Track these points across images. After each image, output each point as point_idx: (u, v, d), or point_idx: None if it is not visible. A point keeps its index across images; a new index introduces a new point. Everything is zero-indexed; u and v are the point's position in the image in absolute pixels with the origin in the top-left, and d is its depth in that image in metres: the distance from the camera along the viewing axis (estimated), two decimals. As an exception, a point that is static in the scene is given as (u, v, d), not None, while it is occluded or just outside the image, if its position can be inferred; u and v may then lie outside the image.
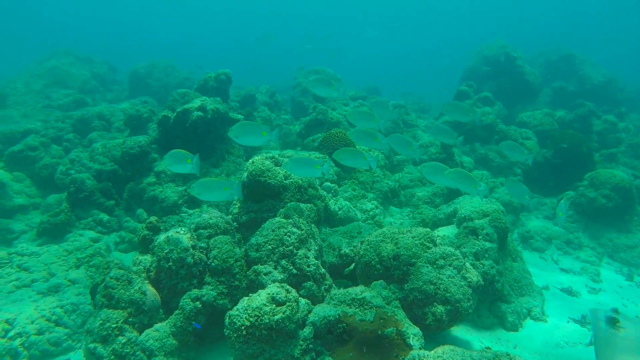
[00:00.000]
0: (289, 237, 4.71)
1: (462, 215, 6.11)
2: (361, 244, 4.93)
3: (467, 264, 4.57)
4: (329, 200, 7.60)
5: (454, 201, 6.92)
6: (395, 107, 13.89)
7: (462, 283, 4.36)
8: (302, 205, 5.34)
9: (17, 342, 4.76)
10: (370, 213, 7.86)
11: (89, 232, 7.24)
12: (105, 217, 7.64)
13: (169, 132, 8.31)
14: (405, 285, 4.41)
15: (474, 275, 4.52)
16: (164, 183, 7.89)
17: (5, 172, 9.04)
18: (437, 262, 4.49)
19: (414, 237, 4.66)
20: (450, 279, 4.33)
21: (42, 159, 9.30)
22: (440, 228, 6.36)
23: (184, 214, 7.63)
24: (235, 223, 6.08)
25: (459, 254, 4.62)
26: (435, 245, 4.68)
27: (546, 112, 13.74)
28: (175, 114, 8.20)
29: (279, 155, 6.85)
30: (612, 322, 3.34)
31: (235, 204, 6.38)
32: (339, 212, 7.48)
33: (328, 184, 8.11)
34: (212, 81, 11.46)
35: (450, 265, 4.47)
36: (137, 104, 15.89)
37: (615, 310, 3.41)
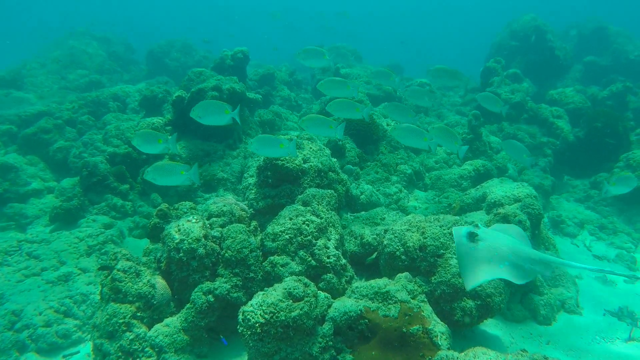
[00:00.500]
0: (308, 225, 4.39)
1: (492, 200, 5.68)
2: (385, 233, 4.57)
3: (502, 256, 4.18)
4: (351, 184, 7.24)
5: (482, 185, 6.47)
6: (419, 86, 13.32)
7: (496, 276, 3.98)
8: (321, 191, 4.98)
9: (25, 334, 4.61)
10: (394, 197, 7.48)
11: (103, 218, 7.05)
12: (119, 201, 7.45)
13: (183, 113, 8.01)
14: (433, 278, 4.05)
15: (508, 268, 4.13)
16: (178, 166, 7.62)
17: (19, 156, 8.93)
18: (468, 253, 4.10)
19: (442, 226, 4.28)
20: (482, 273, 3.96)
21: (56, 142, 9.15)
22: (468, 214, 5.94)
23: (199, 199, 7.38)
24: (251, 209, 5.79)
25: (492, 245, 4.22)
26: (465, 234, 4.29)
27: (578, 89, 12.97)
28: (189, 94, 7.89)
29: (297, 137, 6.49)
30: (472, 236, 3.44)
31: (252, 189, 6.07)
32: (361, 197, 7.13)
33: (350, 166, 7.74)
34: (228, 60, 11.09)
35: (482, 257, 4.08)
36: (152, 84, 15.70)
37: (476, 225, 3.56)
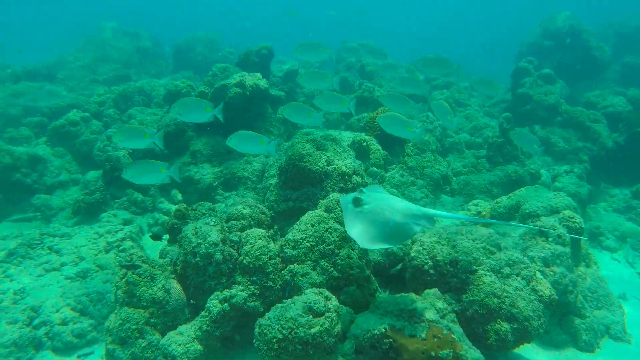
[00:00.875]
0: (331, 234, 4.16)
1: (527, 211, 5.33)
2: (412, 244, 4.31)
3: (538, 274, 3.87)
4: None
5: (515, 193, 6.11)
6: (445, 86, 12.91)
7: (532, 297, 3.68)
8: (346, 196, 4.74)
9: (42, 331, 4.54)
10: (420, 203, 7.18)
11: (123, 212, 7.00)
12: (139, 196, 7.39)
13: (205, 109, 7.89)
14: (464, 297, 3.78)
15: (546, 288, 3.82)
16: (200, 163, 7.51)
17: (47, 147, 8.98)
18: (502, 270, 3.82)
19: (475, 239, 3.99)
20: (517, 292, 3.66)
21: (83, 135, 9.17)
22: (500, 224, 5.61)
23: (219, 197, 7.25)
24: (271, 212, 5.61)
25: (528, 262, 3.92)
26: (499, 249, 4.00)
27: (617, 91, 12.32)
28: (212, 90, 7.75)
29: (321, 137, 6.27)
30: (357, 202, 3.56)
31: (273, 190, 5.89)
32: (385, 201, 6.86)
33: (374, 169, 7.48)
34: (253, 56, 10.92)
35: (517, 275, 3.79)
36: (177, 78, 15.71)
37: (360, 191, 3.65)
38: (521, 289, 3.68)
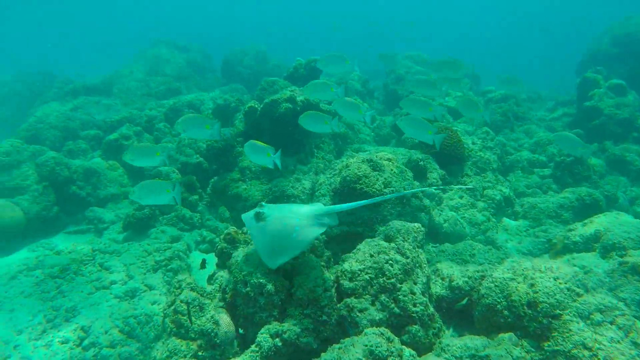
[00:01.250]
0: (392, 266, 3.80)
1: (610, 242, 4.74)
2: (482, 279, 3.87)
3: (638, 323, 3.33)
4: (433, 211, 6.56)
5: (592, 219, 5.49)
6: (502, 99, 12.23)
7: (634, 351, 3.15)
8: (407, 224, 4.35)
9: (91, 353, 4.45)
10: (482, 227, 6.68)
11: (171, 229, 6.94)
12: (187, 212, 7.32)
13: (255, 125, 7.76)
14: (546, 345, 3.29)
15: (646, 339, 3.27)
16: (249, 180, 7.36)
17: (102, 161, 9.18)
18: (592, 316, 3.31)
19: (558, 278, 3.50)
20: (614, 345, 3.14)
21: (134, 149, 9.31)
22: (576, 255, 5.03)
23: (267, 214, 7.04)
24: (323, 236, 5.32)
25: (624, 307, 3.39)
26: (586, 291, 3.49)
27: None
28: (262, 105, 7.61)
29: (376, 155, 5.94)
30: (259, 216, 3.66)
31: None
32: (444, 225, 6.43)
33: (432, 189, 7.05)
34: (302, 69, 10.79)
35: (612, 324, 3.27)
36: (225, 91, 15.88)
37: (261, 205, 3.74)
38: (618, 341, 3.16)
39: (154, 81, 16.30)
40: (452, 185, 6.15)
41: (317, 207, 3.70)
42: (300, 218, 3.56)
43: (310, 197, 7.30)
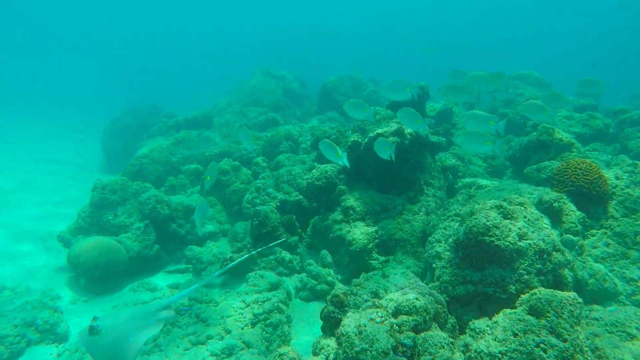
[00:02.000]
0: (545, 352, 2.84)
1: None
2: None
3: None
4: (575, 263, 5.35)
5: None
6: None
7: None
8: (560, 294, 3.30)
9: None
10: (638, 284, 5.30)
11: (270, 274, 6.43)
12: (287, 255, 6.80)
13: (359, 160, 7.09)
14: None
15: None
16: (352, 221, 6.66)
17: (201, 197, 9.14)
18: None
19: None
20: None
21: (233, 184, 9.14)
22: None
23: (374, 262, 6.25)
24: (444, 295, 4.44)
25: None
26: None
27: None
28: (366, 140, 6.94)
29: (506, 201, 4.92)
30: (92, 330, 3.63)
31: (446, 269, 4.69)
32: (590, 281, 5.21)
33: (569, 236, 5.80)
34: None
35: None
36: (323, 120, 15.58)
37: (94, 319, 3.74)
38: None
39: (252, 112, 16.59)
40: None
41: (152, 304, 3.90)
42: (135, 320, 3.65)
43: (420, 240, 6.40)
